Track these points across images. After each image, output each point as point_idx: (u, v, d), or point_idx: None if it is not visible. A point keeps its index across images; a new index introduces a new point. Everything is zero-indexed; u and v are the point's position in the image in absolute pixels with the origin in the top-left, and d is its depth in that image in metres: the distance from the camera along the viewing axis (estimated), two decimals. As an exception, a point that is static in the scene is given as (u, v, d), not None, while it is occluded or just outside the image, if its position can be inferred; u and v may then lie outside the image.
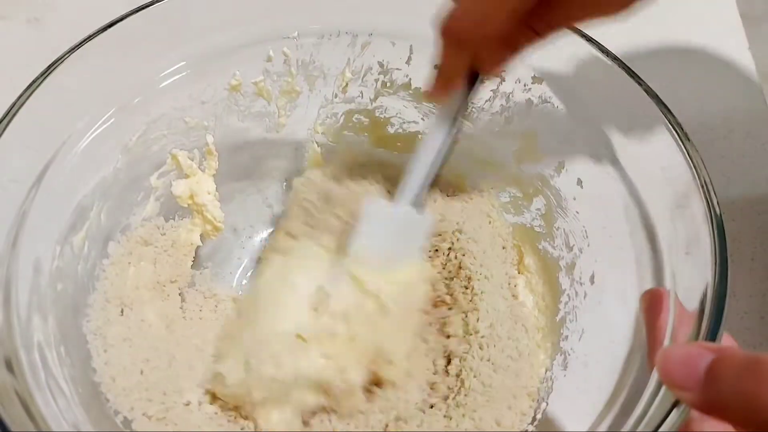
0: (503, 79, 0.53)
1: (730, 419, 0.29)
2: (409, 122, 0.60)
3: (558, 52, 0.51)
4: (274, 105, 0.58)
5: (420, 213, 0.48)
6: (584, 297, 0.50)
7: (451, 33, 0.41)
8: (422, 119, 0.59)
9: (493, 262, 0.55)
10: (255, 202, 0.63)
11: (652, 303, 0.41)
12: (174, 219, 0.57)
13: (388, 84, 0.58)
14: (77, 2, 0.79)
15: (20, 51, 0.74)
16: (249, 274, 0.61)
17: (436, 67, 0.44)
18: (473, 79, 0.45)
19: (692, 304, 0.39)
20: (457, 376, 0.50)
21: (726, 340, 0.37)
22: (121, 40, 0.50)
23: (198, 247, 0.58)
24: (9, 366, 0.38)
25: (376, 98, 0.59)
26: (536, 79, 0.53)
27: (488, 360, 0.50)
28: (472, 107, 0.48)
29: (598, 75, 0.49)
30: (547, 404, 0.48)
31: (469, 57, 0.43)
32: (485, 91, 0.55)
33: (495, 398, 0.48)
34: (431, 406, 0.50)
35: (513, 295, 0.55)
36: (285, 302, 0.49)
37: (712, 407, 0.30)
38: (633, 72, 0.48)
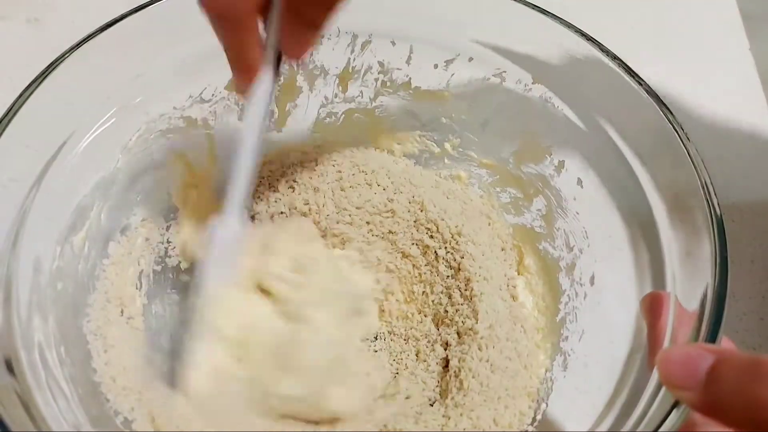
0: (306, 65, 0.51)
1: (730, 420, 0.29)
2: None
3: (558, 52, 0.51)
4: (274, 104, 0.58)
5: (244, 221, 0.47)
6: (584, 297, 0.50)
7: (211, 6, 0.39)
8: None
9: (492, 263, 0.55)
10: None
11: (653, 306, 0.41)
12: (174, 219, 0.57)
13: (388, 83, 0.58)
14: (77, 2, 0.79)
15: (20, 51, 0.74)
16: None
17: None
18: (276, 65, 0.43)
19: (692, 305, 0.39)
20: (456, 376, 0.50)
21: (725, 343, 0.37)
22: (121, 39, 0.50)
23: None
24: (9, 366, 0.38)
25: (375, 98, 0.59)
26: (536, 79, 0.53)
27: (486, 361, 0.50)
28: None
29: (598, 75, 0.49)
30: (547, 405, 0.48)
31: (250, 35, 0.40)
32: (484, 89, 0.55)
33: (492, 398, 0.48)
34: (431, 404, 0.50)
35: (512, 296, 0.55)
36: None
37: (712, 408, 0.30)
38: (633, 72, 0.48)
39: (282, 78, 0.43)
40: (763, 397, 0.27)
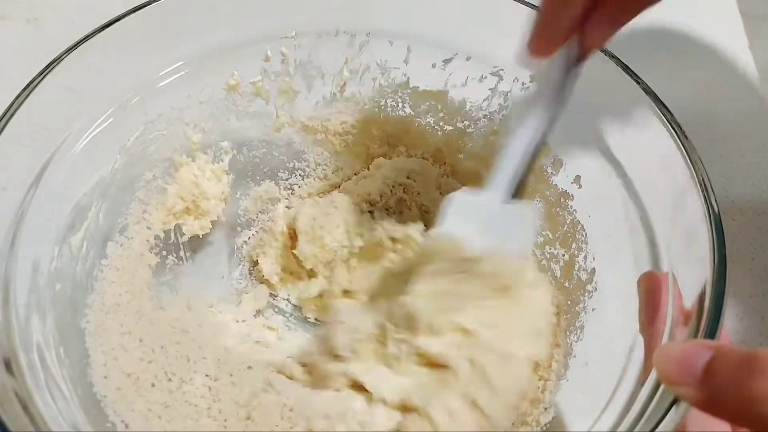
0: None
1: (727, 415, 0.29)
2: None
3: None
4: (272, 105, 0.58)
5: (515, 204, 0.43)
6: (583, 296, 0.50)
7: None
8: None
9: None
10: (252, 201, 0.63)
11: (648, 290, 0.41)
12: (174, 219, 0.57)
13: (387, 84, 0.58)
14: (76, 2, 0.79)
15: (19, 51, 0.74)
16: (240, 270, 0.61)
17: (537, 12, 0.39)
18: (578, 58, 0.41)
19: (690, 302, 0.39)
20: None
21: (724, 340, 0.37)
22: (119, 39, 0.50)
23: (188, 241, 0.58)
24: (8, 367, 0.38)
25: (374, 98, 0.59)
26: (534, 78, 0.53)
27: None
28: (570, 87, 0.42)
29: (596, 73, 0.49)
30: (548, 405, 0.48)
31: (573, 7, 0.38)
32: (483, 90, 0.55)
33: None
34: None
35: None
36: None
37: (709, 403, 0.30)
38: (631, 70, 0.48)
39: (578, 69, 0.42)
40: (759, 390, 0.27)
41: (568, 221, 0.53)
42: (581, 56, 0.42)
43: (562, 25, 0.39)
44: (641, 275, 0.43)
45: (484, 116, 0.57)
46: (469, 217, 0.43)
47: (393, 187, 0.59)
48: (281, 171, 0.62)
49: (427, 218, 0.58)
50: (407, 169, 0.59)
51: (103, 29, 0.49)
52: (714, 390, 0.29)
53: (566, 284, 0.52)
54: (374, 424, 0.43)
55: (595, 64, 0.49)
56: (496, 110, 0.56)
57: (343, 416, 0.44)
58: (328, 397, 0.45)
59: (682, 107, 0.70)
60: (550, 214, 0.55)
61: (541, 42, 0.40)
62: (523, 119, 0.42)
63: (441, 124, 0.59)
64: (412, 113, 0.59)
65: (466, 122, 0.58)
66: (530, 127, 0.42)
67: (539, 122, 0.42)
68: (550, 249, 0.55)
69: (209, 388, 0.48)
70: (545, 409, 0.48)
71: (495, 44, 0.54)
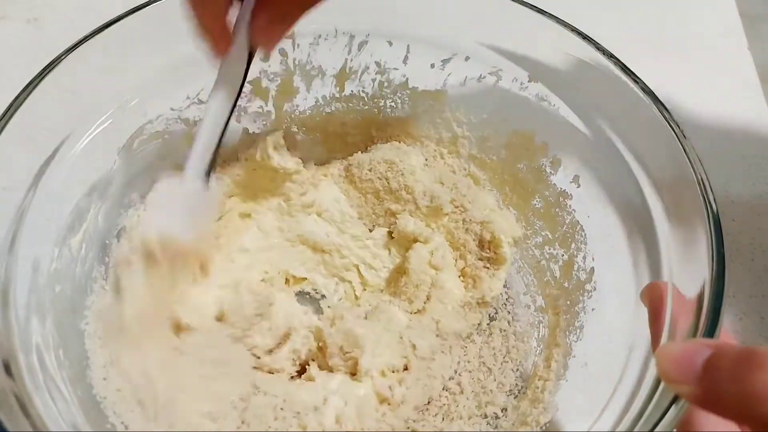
0: (268, 57, 0.52)
1: (727, 412, 0.29)
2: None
3: (554, 50, 0.51)
4: (272, 105, 0.58)
5: (206, 185, 0.47)
6: (582, 296, 0.50)
7: None
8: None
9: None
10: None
11: (654, 301, 0.41)
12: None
13: (386, 84, 0.58)
14: (76, 2, 0.79)
15: (19, 51, 0.74)
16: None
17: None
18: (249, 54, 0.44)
19: (690, 302, 0.39)
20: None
21: (725, 338, 0.37)
22: (119, 39, 0.50)
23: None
24: (8, 368, 0.38)
25: (373, 98, 0.59)
26: (532, 78, 0.53)
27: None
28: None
29: (595, 73, 0.49)
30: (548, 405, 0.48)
31: (216, 7, 0.42)
32: (482, 91, 0.55)
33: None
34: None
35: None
36: None
37: (709, 401, 0.30)
38: (630, 70, 0.48)
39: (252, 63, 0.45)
40: (759, 386, 0.27)
41: (567, 221, 0.53)
42: (252, 53, 0.44)
43: (215, 30, 0.43)
44: (644, 288, 0.43)
45: (484, 116, 0.57)
46: (174, 204, 0.47)
47: None
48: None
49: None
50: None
51: (103, 29, 0.49)
52: (714, 387, 0.29)
53: (565, 284, 0.52)
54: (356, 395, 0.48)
55: (594, 64, 0.49)
56: (495, 109, 0.56)
57: (326, 402, 0.47)
58: (310, 388, 0.48)
59: (682, 107, 0.70)
60: (549, 214, 0.55)
61: (210, 49, 0.43)
62: (209, 108, 0.46)
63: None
64: (411, 113, 0.59)
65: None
66: (215, 114, 0.46)
67: (223, 110, 0.46)
68: (549, 249, 0.55)
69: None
70: (545, 409, 0.48)
71: (493, 44, 0.54)
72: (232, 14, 0.43)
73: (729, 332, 0.38)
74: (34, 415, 0.37)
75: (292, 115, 0.59)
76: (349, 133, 0.61)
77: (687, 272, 0.40)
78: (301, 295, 0.58)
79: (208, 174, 0.46)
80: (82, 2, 0.79)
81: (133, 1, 0.51)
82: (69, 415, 0.41)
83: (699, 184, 0.42)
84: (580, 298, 0.50)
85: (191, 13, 0.42)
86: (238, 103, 0.47)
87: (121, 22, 0.50)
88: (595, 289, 0.50)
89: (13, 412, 0.36)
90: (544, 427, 0.46)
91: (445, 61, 0.55)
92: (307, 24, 0.54)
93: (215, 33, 0.43)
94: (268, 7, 0.42)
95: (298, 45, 0.55)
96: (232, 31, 0.43)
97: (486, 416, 0.49)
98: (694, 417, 0.35)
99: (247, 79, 0.46)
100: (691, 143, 0.44)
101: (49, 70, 0.47)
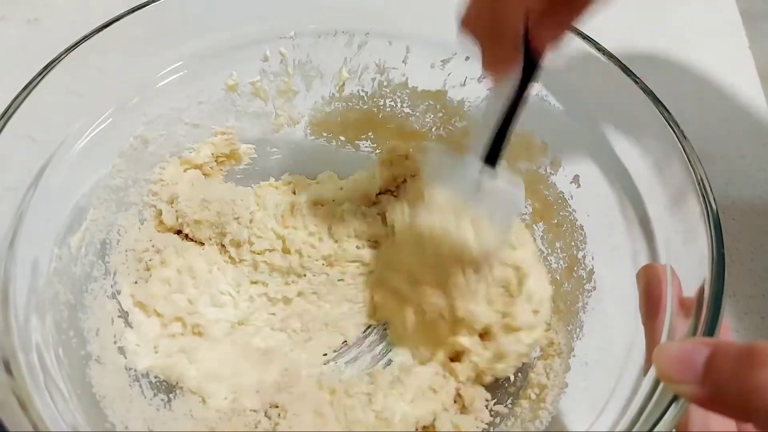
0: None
1: (729, 409, 0.29)
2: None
3: (555, 50, 0.50)
4: (271, 105, 0.58)
5: (494, 176, 0.45)
6: (582, 295, 0.50)
7: (475, 32, 0.40)
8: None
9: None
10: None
11: (649, 287, 0.41)
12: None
13: (386, 83, 0.58)
14: (76, 2, 0.79)
15: (19, 51, 0.74)
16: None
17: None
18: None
19: (689, 301, 0.39)
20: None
21: (726, 335, 0.37)
22: (119, 40, 0.50)
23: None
24: (7, 367, 0.38)
25: (373, 98, 0.59)
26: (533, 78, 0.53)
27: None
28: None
29: (594, 73, 0.49)
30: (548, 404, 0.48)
31: (511, 51, 0.41)
32: (481, 90, 0.55)
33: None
34: None
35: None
36: None
37: (710, 399, 0.30)
38: (629, 70, 0.48)
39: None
40: (761, 383, 0.27)
41: (567, 221, 0.53)
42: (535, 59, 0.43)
43: (504, 65, 0.42)
44: (640, 269, 0.43)
45: (484, 116, 0.57)
46: (454, 177, 0.46)
47: None
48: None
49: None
50: None
51: (103, 29, 0.49)
52: (715, 385, 0.29)
53: (565, 284, 0.52)
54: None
55: (594, 63, 0.49)
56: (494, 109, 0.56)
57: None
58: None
59: (682, 107, 0.70)
60: (549, 214, 0.55)
61: (493, 66, 0.43)
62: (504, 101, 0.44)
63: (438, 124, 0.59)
64: (411, 113, 0.59)
65: (465, 122, 0.58)
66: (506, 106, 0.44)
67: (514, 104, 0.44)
68: (549, 249, 0.55)
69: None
70: (545, 408, 0.48)
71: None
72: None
73: (729, 328, 0.38)
74: (34, 414, 0.37)
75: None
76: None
77: (687, 272, 0.40)
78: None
79: (490, 162, 0.45)
80: (82, 2, 0.79)
81: (133, 1, 0.51)
82: (68, 414, 0.41)
83: (699, 184, 0.42)
84: (580, 297, 0.50)
85: (488, 61, 0.42)
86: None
87: (121, 22, 0.50)
88: (595, 288, 0.50)
89: (13, 411, 0.36)
90: (544, 427, 0.46)
91: (444, 61, 0.55)
92: (306, 24, 0.55)
93: (510, 65, 0.42)
94: (548, 18, 0.41)
95: (298, 45, 0.55)
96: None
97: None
98: (692, 417, 0.35)
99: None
100: (691, 143, 0.44)
101: (49, 70, 0.47)
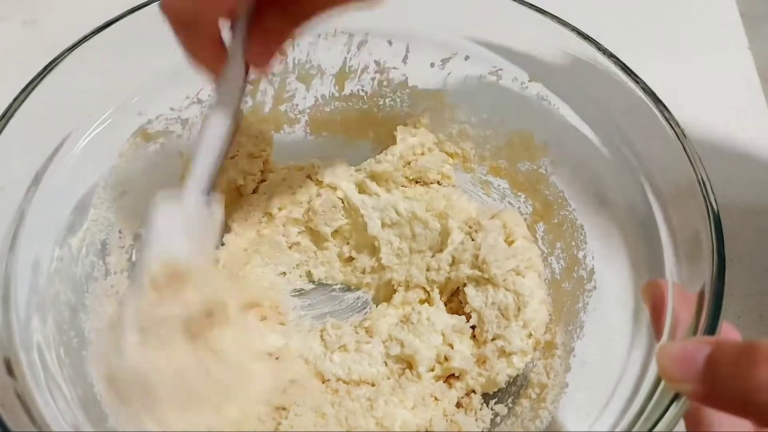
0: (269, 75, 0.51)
1: (730, 406, 0.29)
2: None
3: (554, 50, 0.51)
4: (271, 104, 0.58)
5: (209, 205, 0.43)
6: (582, 295, 0.50)
7: (172, 12, 0.39)
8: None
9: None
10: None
11: (654, 298, 0.41)
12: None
13: (385, 83, 0.58)
14: (74, 3, 0.79)
15: (18, 52, 0.74)
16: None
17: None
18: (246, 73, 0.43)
19: (690, 299, 0.39)
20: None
21: (729, 333, 0.37)
22: (118, 40, 0.50)
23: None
24: (9, 367, 0.38)
25: (372, 97, 0.59)
26: (533, 77, 0.53)
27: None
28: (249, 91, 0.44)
29: (595, 73, 0.49)
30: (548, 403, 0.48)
31: (207, 42, 0.40)
32: (482, 90, 0.55)
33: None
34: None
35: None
36: None
37: (711, 397, 0.30)
38: (630, 70, 0.48)
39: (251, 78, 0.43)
40: (761, 379, 0.27)
41: (567, 220, 0.53)
42: (248, 69, 0.42)
43: (206, 60, 0.41)
44: (644, 285, 0.43)
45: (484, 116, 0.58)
46: (176, 225, 0.42)
47: None
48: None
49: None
50: None
51: (103, 29, 0.49)
52: (716, 383, 0.30)
53: (566, 284, 0.52)
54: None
55: (594, 64, 0.49)
56: (494, 109, 0.56)
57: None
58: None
59: (682, 107, 0.70)
60: (549, 214, 0.55)
61: (193, 55, 0.41)
62: (206, 127, 0.43)
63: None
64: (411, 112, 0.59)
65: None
66: (213, 133, 0.42)
67: (222, 127, 0.42)
68: (549, 249, 0.55)
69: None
70: (545, 408, 0.48)
71: (494, 44, 0.54)
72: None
73: (732, 326, 0.38)
74: (35, 413, 0.37)
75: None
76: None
77: (687, 272, 0.41)
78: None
79: (207, 194, 0.43)
80: (82, 2, 0.79)
81: (133, 1, 0.51)
82: (69, 413, 0.41)
83: (699, 184, 0.42)
84: (581, 297, 0.50)
85: (185, 50, 0.41)
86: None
87: (121, 22, 0.50)
88: (595, 288, 0.50)
89: (15, 410, 0.36)
90: (544, 427, 0.46)
91: (444, 61, 0.55)
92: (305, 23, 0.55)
93: (209, 61, 0.41)
94: (258, 28, 0.41)
95: (298, 44, 0.55)
96: (228, 49, 0.42)
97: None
98: (705, 417, 0.35)
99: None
100: (691, 143, 0.44)
101: (49, 70, 0.47)
